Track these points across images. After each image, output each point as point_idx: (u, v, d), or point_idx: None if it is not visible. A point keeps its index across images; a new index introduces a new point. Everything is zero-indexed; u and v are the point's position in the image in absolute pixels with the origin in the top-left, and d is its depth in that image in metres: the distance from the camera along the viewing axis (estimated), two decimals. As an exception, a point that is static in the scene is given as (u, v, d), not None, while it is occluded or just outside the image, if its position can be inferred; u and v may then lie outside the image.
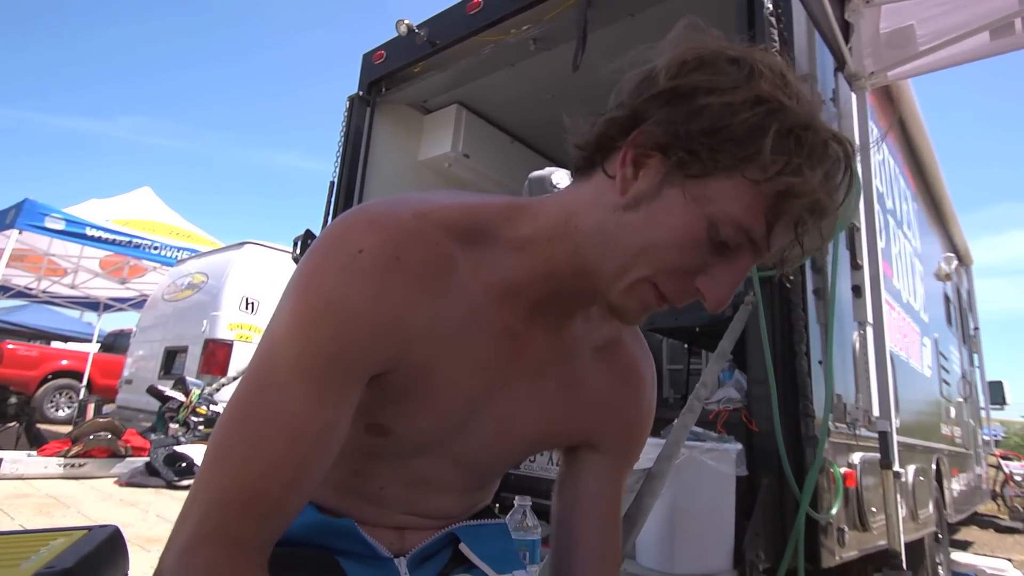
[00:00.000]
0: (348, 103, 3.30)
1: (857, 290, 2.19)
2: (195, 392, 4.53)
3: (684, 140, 0.52)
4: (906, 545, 2.20)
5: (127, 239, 7.14)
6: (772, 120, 0.50)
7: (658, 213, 0.53)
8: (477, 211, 0.60)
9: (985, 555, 3.89)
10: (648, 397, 0.77)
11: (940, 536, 3.20)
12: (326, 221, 3.08)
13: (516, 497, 1.26)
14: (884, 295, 2.50)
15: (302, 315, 0.52)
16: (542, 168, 2.22)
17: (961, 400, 4.41)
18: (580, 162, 0.61)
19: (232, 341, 5.53)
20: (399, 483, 0.67)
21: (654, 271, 0.55)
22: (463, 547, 0.72)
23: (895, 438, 1.92)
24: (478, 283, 0.59)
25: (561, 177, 2.12)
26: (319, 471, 0.53)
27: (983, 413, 5.96)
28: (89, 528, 0.69)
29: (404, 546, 0.69)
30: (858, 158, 0.54)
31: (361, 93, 3.30)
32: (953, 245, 5.04)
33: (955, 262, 4.37)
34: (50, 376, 8.70)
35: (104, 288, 9.37)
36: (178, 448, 4.12)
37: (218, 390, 4.69)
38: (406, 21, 3.02)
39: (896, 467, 1.88)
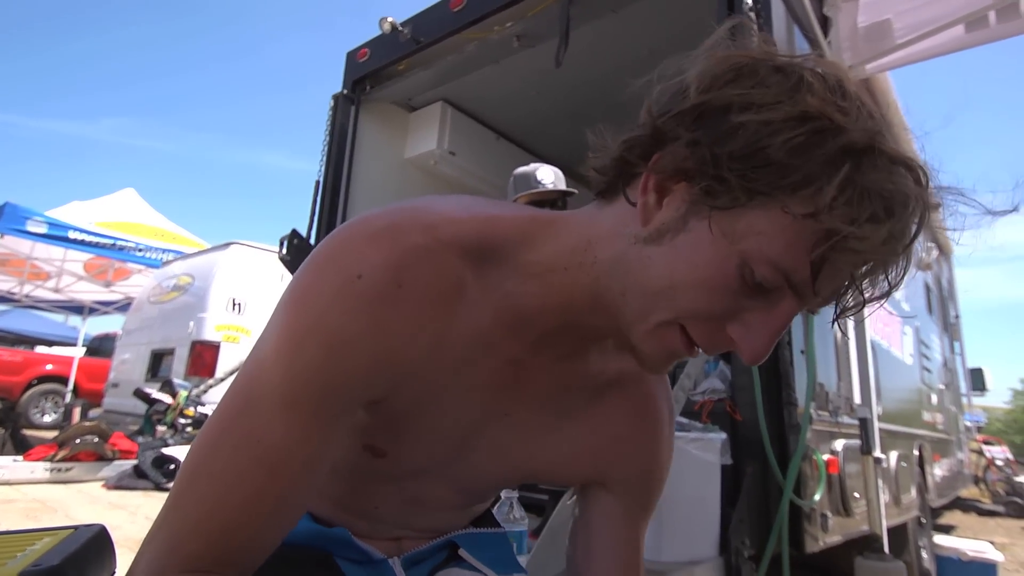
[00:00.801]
0: (332, 102, 3.28)
1: (838, 280, 2.22)
2: (182, 394, 4.50)
3: (712, 165, 0.44)
4: (889, 529, 2.25)
5: (111, 241, 7.06)
6: (821, 141, 0.42)
7: (683, 249, 0.47)
8: (493, 227, 0.54)
9: (968, 538, 3.98)
10: (667, 439, 0.70)
11: (923, 520, 3.26)
12: (312, 221, 3.07)
13: (503, 490, 1.28)
14: (865, 285, 2.55)
15: (291, 339, 0.48)
16: (528, 165, 2.23)
17: (942, 387, 4.49)
18: (602, 184, 0.55)
19: (219, 342, 5.50)
20: (395, 502, 0.65)
21: (678, 315, 0.48)
22: (463, 552, 0.70)
23: (876, 425, 1.96)
24: (487, 307, 0.53)
25: (546, 173, 2.13)
26: (301, 504, 0.51)
27: (964, 400, 6.06)
28: (75, 527, 0.70)
29: (400, 551, 0.68)
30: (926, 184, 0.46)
31: (345, 91, 3.29)
32: (934, 235, 5.12)
33: (936, 252, 4.44)
34: (35, 381, 8.58)
35: (89, 291, 9.25)
36: (166, 450, 4.10)
37: (206, 391, 4.67)
38: (390, 19, 3.01)
39: (876, 453, 1.92)
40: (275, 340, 0.49)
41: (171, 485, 0.51)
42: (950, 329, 5.61)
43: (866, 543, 1.93)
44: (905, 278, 0.48)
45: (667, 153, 0.48)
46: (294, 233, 3.00)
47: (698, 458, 1.56)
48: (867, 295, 0.48)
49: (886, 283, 0.48)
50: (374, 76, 3.29)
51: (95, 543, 0.69)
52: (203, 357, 5.38)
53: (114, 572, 0.70)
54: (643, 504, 0.70)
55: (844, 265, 0.45)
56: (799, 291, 0.46)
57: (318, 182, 3.16)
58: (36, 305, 10.04)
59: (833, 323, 0.52)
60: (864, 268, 0.46)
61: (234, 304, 5.70)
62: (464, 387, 0.56)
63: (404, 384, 0.52)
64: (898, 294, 3.45)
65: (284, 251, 2.99)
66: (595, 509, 0.69)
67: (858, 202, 0.42)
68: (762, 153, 0.43)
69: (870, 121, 0.44)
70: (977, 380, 6.72)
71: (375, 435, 0.57)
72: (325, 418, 0.48)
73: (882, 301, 0.49)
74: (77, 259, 8.01)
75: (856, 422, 2.08)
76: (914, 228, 0.45)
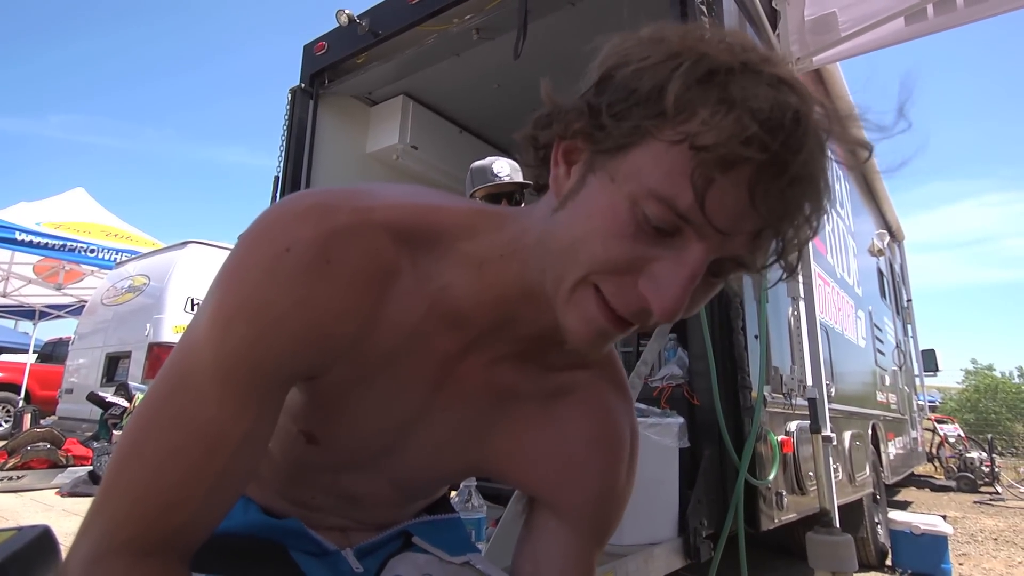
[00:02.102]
0: (290, 95, 3.23)
1: (790, 267, 2.30)
2: (138, 396, 4.37)
3: (595, 116, 0.46)
4: (844, 506, 2.34)
5: (60, 242, 6.80)
6: (688, 69, 0.42)
7: (581, 204, 0.47)
8: (433, 215, 0.53)
9: (921, 513, 4.16)
10: (626, 464, 0.65)
11: (878, 497, 3.40)
12: (271, 217, 3.02)
13: (444, 487, 1.29)
14: (817, 270, 2.63)
15: (221, 316, 0.48)
16: (484, 158, 2.24)
17: (896, 368, 4.67)
18: (533, 176, 0.55)
19: (179, 344, 5.36)
20: (332, 494, 0.65)
21: (587, 269, 0.46)
22: (416, 540, 0.70)
23: (826, 405, 2.04)
24: (422, 297, 0.52)
25: (502, 166, 2.14)
26: (240, 481, 0.50)
27: (918, 380, 6.31)
28: (18, 528, 0.68)
29: (348, 543, 0.68)
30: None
31: (303, 85, 3.24)
32: (886, 222, 5.30)
33: (887, 238, 4.61)
34: (-16, 390, 8.24)
35: (39, 295, 8.90)
36: (121, 456, 3.99)
37: (166, 395, 4.55)
38: (347, 11, 2.97)
39: (826, 432, 1.99)
40: (207, 317, 0.48)
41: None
42: (903, 312, 5.84)
43: (819, 520, 2.01)
44: (822, 216, 0.46)
45: (563, 121, 0.49)
46: (253, 230, 2.95)
47: (657, 443, 1.60)
48: (790, 242, 0.46)
49: (808, 228, 0.45)
50: (332, 69, 3.24)
51: (39, 543, 0.68)
52: (161, 359, 5.22)
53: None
54: (598, 534, 0.66)
55: (735, 188, 0.41)
56: (694, 225, 0.42)
57: (277, 178, 3.10)
58: (-17, 311, 9.63)
59: (785, 276, 0.50)
60: (761, 201, 0.41)
61: (193, 304, 5.55)
62: (397, 379, 0.55)
63: (335, 365, 0.52)
64: (851, 279, 3.58)
65: (243, 249, 2.93)
66: (545, 536, 0.64)
67: (728, 118, 0.40)
68: (634, 94, 0.43)
69: (746, 53, 0.43)
70: (929, 361, 7.00)
71: (308, 420, 0.58)
72: (258, 393, 0.48)
73: (803, 246, 0.47)
74: (26, 262, 7.71)
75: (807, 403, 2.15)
76: (804, 143, 0.41)
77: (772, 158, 0.40)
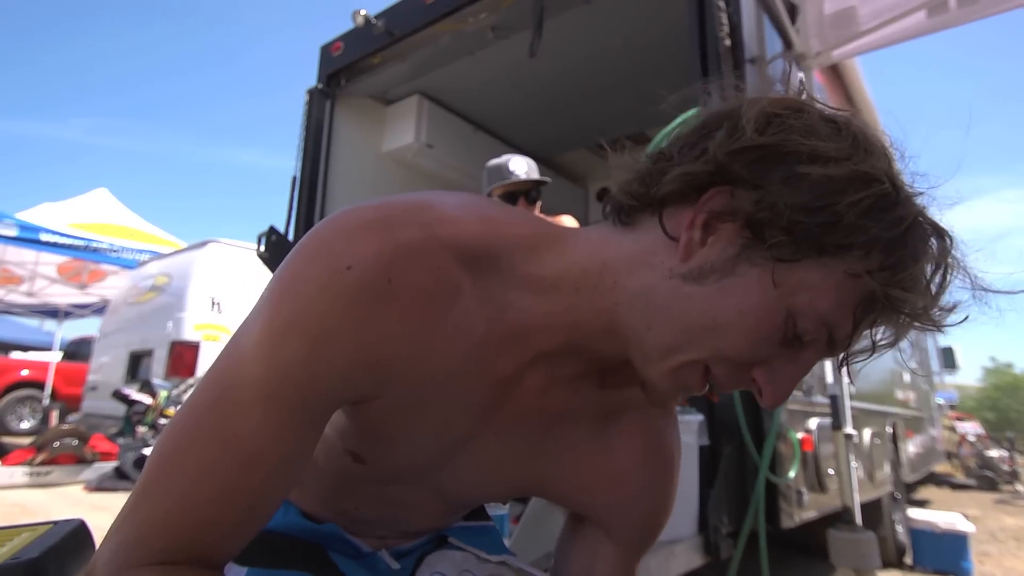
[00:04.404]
0: (307, 96, 3.26)
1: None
2: (162, 394, 4.45)
3: (780, 214, 0.43)
4: (864, 504, 2.31)
5: (84, 243, 6.92)
6: (884, 205, 0.43)
7: (730, 292, 0.45)
8: (497, 233, 0.51)
9: (941, 511, 4.10)
10: (674, 482, 0.66)
11: (897, 496, 3.36)
12: (290, 218, 3.05)
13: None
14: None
15: (273, 330, 0.45)
16: (500, 156, 2.24)
17: (915, 366, 4.61)
18: (625, 208, 0.52)
19: (199, 342, 5.43)
20: (376, 505, 0.65)
21: (712, 354, 0.47)
22: (452, 540, 0.70)
23: (847, 402, 2.02)
24: (481, 319, 0.50)
25: (518, 164, 2.14)
26: (275, 501, 0.49)
27: (937, 378, 6.22)
28: (54, 523, 0.70)
29: (387, 546, 0.68)
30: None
31: (320, 86, 3.26)
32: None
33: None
34: (11, 388, 8.42)
35: (63, 295, 9.06)
36: (147, 451, 4.06)
37: (186, 392, 4.63)
38: (363, 11, 2.98)
39: (847, 429, 1.98)
40: (257, 330, 0.46)
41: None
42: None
43: (840, 518, 1.99)
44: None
45: (725, 191, 0.46)
46: (272, 230, 2.98)
47: (676, 440, 1.60)
48: (877, 344, 0.49)
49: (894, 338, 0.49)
50: (349, 70, 3.26)
51: (74, 537, 0.70)
52: (183, 357, 5.32)
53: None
54: (641, 545, 0.68)
55: (877, 322, 0.46)
56: (835, 345, 0.46)
57: (295, 178, 3.13)
58: (10, 310, 9.82)
59: (840, 368, 0.54)
60: (883, 330, 0.48)
61: (213, 303, 5.64)
62: (450, 401, 0.52)
63: (387, 387, 0.49)
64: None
65: (262, 248, 2.97)
66: (588, 546, 0.67)
67: (905, 267, 0.44)
68: (830, 210, 0.43)
69: (911, 188, 0.46)
70: (948, 359, 6.90)
71: (355, 441, 0.56)
72: (303, 414, 0.46)
73: (889, 349, 0.50)
74: (50, 262, 7.84)
75: (829, 401, 2.13)
76: (935, 293, 0.46)
77: (923, 314, 0.46)
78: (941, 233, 0.46)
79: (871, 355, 0.50)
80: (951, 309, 0.47)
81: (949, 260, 0.46)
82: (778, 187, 0.44)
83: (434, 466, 0.59)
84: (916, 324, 0.46)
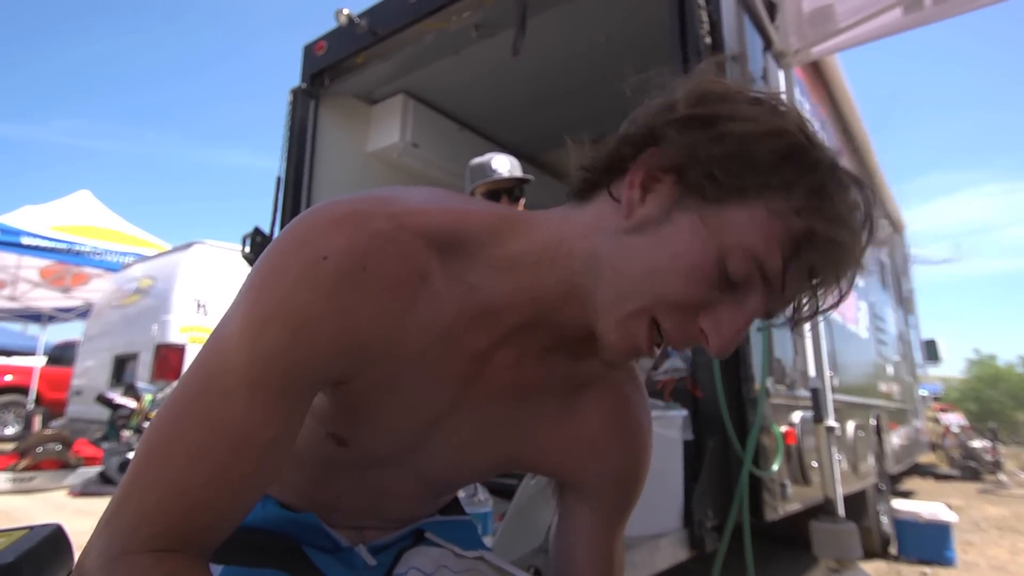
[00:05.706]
0: (291, 96, 3.24)
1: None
2: (147, 397, 4.41)
3: (704, 162, 0.48)
4: (848, 496, 2.35)
5: (67, 246, 6.83)
6: (798, 152, 0.48)
7: (666, 238, 0.49)
8: (461, 219, 0.55)
9: (925, 502, 4.17)
10: (645, 446, 0.70)
11: (881, 487, 3.41)
12: (275, 219, 3.03)
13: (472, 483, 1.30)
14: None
15: (255, 320, 0.48)
16: (482, 155, 2.24)
17: (898, 358, 4.67)
18: (581, 184, 0.57)
19: (185, 344, 5.38)
20: (358, 492, 0.66)
21: (654, 301, 0.50)
22: (429, 535, 0.72)
23: (829, 395, 2.04)
24: (451, 299, 0.54)
25: (500, 162, 2.15)
26: (264, 484, 0.51)
27: (920, 370, 6.31)
28: (30, 527, 0.70)
29: (363, 541, 0.69)
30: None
31: (304, 86, 3.25)
32: (886, 213, 5.29)
33: (888, 229, 4.60)
34: (-6, 393, 8.29)
35: (47, 299, 8.94)
36: (131, 455, 4.02)
37: (173, 395, 4.59)
38: (346, 11, 2.97)
39: (829, 422, 2.00)
40: (239, 320, 0.49)
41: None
42: (904, 303, 5.83)
43: (823, 509, 2.02)
44: (852, 289, 0.53)
45: (659, 150, 0.51)
46: (257, 231, 2.97)
47: (661, 435, 1.61)
48: (821, 302, 0.53)
49: (838, 292, 0.52)
50: (333, 69, 3.25)
51: (51, 541, 0.69)
52: (168, 360, 5.27)
53: (72, 570, 0.70)
54: (619, 511, 0.71)
55: (808, 259, 0.49)
56: (769, 284, 0.49)
57: (279, 179, 3.12)
58: (-9, 315, 9.69)
59: (792, 328, 0.56)
60: (819, 276, 0.50)
61: (199, 305, 5.59)
62: (426, 379, 0.55)
63: (366, 369, 0.52)
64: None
65: (247, 249, 2.95)
66: (571, 513, 0.70)
67: (827, 207, 0.47)
68: (749, 155, 0.47)
69: (830, 149, 0.51)
70: (931, 351, 7.00)
71: (337, 423, 0.58)
72: (288, 398, 0.49)
73: (833, 308, 0.54)
74: (32, 265, 7.74)
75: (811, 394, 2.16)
76: (865, 239, 0.51)
77: (845, 252, 0.49)
78: (856, 179, 0.51)
79: (819, 308, 0.53)
80: (872, 244, 0.51)
81: (866, 195, 0.51)
82: (704, 144, 0.49)
83: (414, 445, 0.61)
84: (842, 261, 0.50)
